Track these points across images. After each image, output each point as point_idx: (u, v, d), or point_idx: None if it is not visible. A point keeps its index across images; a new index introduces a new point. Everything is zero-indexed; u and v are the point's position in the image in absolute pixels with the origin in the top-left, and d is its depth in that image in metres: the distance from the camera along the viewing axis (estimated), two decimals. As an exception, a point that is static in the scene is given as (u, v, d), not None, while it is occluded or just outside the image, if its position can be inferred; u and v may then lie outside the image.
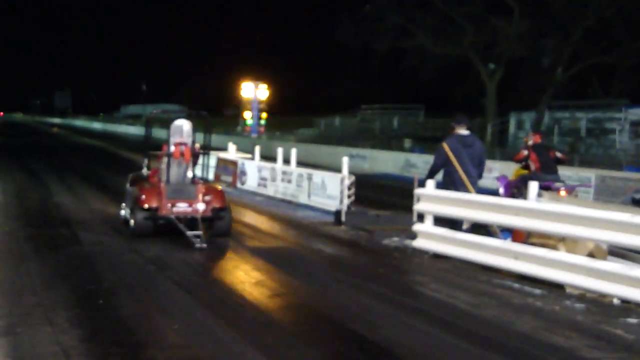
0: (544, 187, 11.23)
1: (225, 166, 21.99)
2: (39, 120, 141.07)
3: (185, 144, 11.86)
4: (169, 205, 11.40)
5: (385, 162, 31.54)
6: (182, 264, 10.08)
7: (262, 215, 15.73)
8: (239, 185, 20.56)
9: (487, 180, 14.57)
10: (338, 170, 15.60)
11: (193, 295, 8.36)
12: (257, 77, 51.03)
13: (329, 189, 15.76)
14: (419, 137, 37.24)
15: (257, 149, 21.06)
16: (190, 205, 11.47)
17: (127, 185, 12.90)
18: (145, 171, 12.72)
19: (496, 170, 20.61)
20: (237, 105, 57.86)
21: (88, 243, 11.33)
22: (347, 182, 14.84)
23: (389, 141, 37.99)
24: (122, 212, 12.97)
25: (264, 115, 51.36)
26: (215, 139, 48.95)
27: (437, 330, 7.15)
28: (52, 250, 10.63)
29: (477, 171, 11.20)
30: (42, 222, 13.44)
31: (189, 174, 12.02)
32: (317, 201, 16.25)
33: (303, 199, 16.93)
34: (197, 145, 12.37)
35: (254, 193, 19.29)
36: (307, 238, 12.86)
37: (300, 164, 18.44)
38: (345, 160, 15.24)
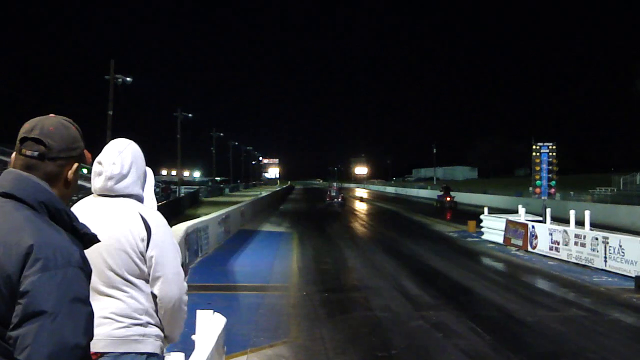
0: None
1: (515, 229, 21.49)
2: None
3: (334, 185, 67.01)
4: (332, 200, 55.82)
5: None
6: (469, 330, 9.98)
7: (554, 281, 15.08)
8: (529, 248, 19.94)
9: None
10: (639, 232, 14.56)
11: (479, 365, 8.21)
12: (547, 135, 49.60)
13: (627, 253, 14.71)
14: None
15: (548, 211, 20.39)
16: (337, 200, 55.43)
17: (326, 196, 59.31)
18: (328, 193, 59.15)
19: None
20: (529, 165, 56.63)
21: (378, 308, 11.67)
22: (647, 245, 13.86)
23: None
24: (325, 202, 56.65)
25: (554, 176, 49.65)
26: (502, 200, 47.74)
27: None
28: (344, 315, 11.11)
29: None
30: (336, 286, 14.12)
31: (338, 192, 58.75)
32: (615, 266, 15.23)
33: (598, 263, 15.96)
34: (337, 186, 67.15)
35: (546, 257, 18.58)
36: (602, 306, 12.06)
37: (595, 225, 17.49)
38: (644, 222, 14.26)
